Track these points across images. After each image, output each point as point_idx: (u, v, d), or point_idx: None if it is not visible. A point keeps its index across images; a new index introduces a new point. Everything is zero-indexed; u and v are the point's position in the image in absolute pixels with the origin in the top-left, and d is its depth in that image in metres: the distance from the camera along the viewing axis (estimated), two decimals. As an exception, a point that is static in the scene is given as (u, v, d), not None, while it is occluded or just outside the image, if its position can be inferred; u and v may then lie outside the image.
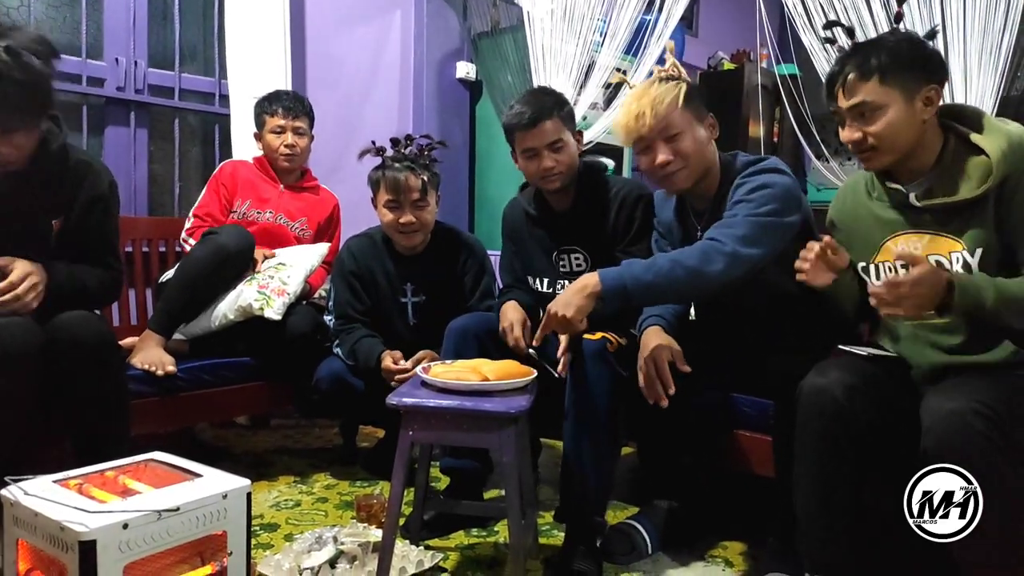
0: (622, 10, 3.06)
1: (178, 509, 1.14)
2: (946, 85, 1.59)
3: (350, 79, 3.36)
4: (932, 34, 1.54)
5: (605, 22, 3.12)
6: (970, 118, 1.50)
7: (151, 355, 2.04)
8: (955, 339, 1.52)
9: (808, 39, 2.43)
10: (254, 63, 2.87)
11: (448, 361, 1.81)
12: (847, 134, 1.51)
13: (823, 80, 1.57)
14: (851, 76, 1.45)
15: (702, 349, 1.80)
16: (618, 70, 3.04)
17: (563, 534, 1.84)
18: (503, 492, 1.79)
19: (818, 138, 3.23)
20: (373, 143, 2.18)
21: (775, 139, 5.05)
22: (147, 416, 2.01)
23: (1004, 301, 1.37)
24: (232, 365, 2.22)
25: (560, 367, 1.77)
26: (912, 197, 1.51)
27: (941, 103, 1.49)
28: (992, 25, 2.13)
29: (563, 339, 1.77)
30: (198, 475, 1.27)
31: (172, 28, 2.87)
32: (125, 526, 1.09)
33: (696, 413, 1.84)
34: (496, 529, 1.97)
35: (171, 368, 2.02)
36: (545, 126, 1.93)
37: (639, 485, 2.27)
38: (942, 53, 1.63)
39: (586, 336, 1.77)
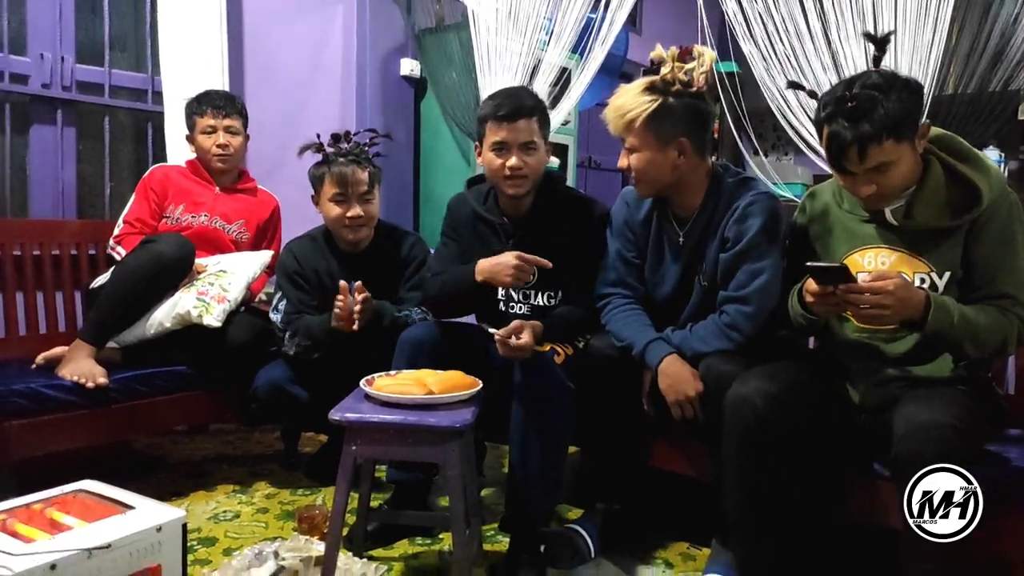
0: (568, 9, 3.05)
1: (109, 546, 1.11)
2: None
3: (290, 76, 3.28)
4: (886, 39, 1.52)
5: (551, 21, 3.11)
6: (957, 148, 1.51)
7: (81, 366, 1.98)
8: (903, 347, 1.57)
9: (748, 48, 2.47)
10: (189, 58, 2.76)
11: (393, 372, 1.79)
12: (863, 190, 1.47)
13: (776, 113, 1.51)
14: (866, 143, 1.39)
15: None
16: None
17: (507, 539, 1.86)
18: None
19: (752, 135, 3.28)
20: (318, 136, 2.14)
21: (715, 135, 5.11)
22: (78, 430, 1.95)
23: (965, 324, 1.42)
24: (167, 375, 2.15)
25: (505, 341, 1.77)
26: (889, 215, 1.53)
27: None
28: (921, 39, 2.21)
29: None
30: (130, 507, 1.24)
31: (101, 21, 2.74)
32: (53, 567, 1.05)
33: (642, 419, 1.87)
34: (440, 537, 1.97)
35: (102, 380, 1.96)
36: (521, 123, 1.88)
37: (582, 486, 2.30)
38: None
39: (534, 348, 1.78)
